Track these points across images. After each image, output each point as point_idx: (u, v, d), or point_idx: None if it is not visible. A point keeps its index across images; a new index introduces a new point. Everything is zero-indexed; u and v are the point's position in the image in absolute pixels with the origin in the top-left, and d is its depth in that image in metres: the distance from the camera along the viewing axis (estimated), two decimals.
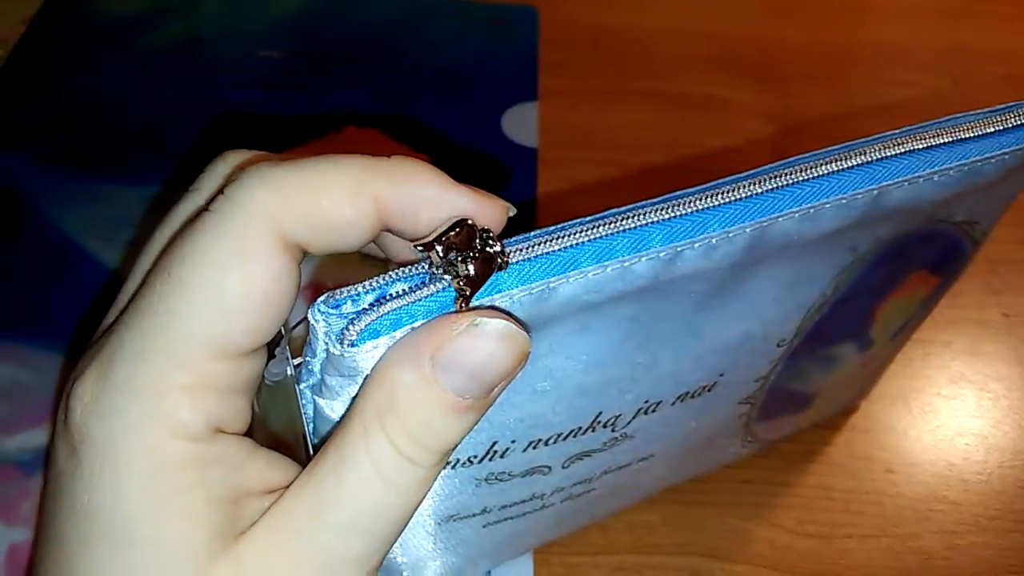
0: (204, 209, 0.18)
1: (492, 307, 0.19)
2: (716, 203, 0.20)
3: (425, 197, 0.19)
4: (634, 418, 0.26)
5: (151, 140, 0.47)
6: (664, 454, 0.29)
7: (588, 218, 0.20)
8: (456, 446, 0.19)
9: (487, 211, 0.19)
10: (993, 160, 0.23)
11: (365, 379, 0.19)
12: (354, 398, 0.19)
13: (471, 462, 0.24)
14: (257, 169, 0.18)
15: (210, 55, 0.52)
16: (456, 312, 0.18)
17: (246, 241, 0.17)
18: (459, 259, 0.18)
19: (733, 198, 0.20)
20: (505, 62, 0.53)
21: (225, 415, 0.18)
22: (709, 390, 0.27)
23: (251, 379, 0.19)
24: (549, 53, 0.54)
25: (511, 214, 0.20)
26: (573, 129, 0.50)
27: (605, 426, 0.25)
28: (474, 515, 0.26)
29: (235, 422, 0.19)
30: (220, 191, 0.18)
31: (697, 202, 0.20)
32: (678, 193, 0.21)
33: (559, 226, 0.19)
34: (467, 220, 0.19)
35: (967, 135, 0.23)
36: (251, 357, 0.19)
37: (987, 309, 0.44)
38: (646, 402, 0.25)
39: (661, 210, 0.20)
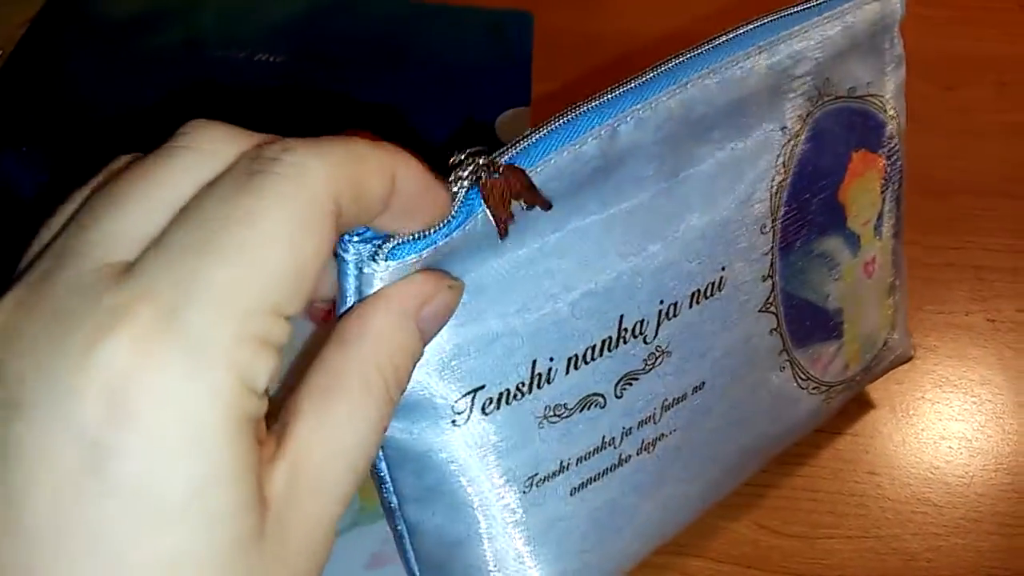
0: (255, 169, 0.18)
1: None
2: (636, 84, 0.25)
3: (417, 187, 0.21)
4: (659, 326, 0.28)
5: (150, 143, 0.47)
6: (714, 384, 0.30)
7: (538, 125, 0.24)
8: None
9: (440, 218, 0.22)
10: (847, 5, 0.30)
11: (354, 315, 0.20)
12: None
13: (520, 392, 0.26)
14: (311, 143, 0.19)
15: (209, 57, 0.53)
16: (426, 272, 0.22)
17: (320, 209, 0.18)
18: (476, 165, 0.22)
19: (649, 77, 0.25)
20: (499, 67, 0.54)
21: (274, 373, 0.18)
22: (719, 288, 0.29)
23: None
24: (543, 59, 0.55)
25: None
26: None
27: (635, 335, 0.27)
28: (554, 474, 0.27)
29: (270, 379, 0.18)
30: (258, 157, 0.19)
31: (620, 88, 0.25)
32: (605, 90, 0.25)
33: (519, 137, 0.24)
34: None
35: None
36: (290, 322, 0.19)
37: (973, 315, 0.45)
38: (662, 302, 0.28)
39: (592, 101, 0.25)
